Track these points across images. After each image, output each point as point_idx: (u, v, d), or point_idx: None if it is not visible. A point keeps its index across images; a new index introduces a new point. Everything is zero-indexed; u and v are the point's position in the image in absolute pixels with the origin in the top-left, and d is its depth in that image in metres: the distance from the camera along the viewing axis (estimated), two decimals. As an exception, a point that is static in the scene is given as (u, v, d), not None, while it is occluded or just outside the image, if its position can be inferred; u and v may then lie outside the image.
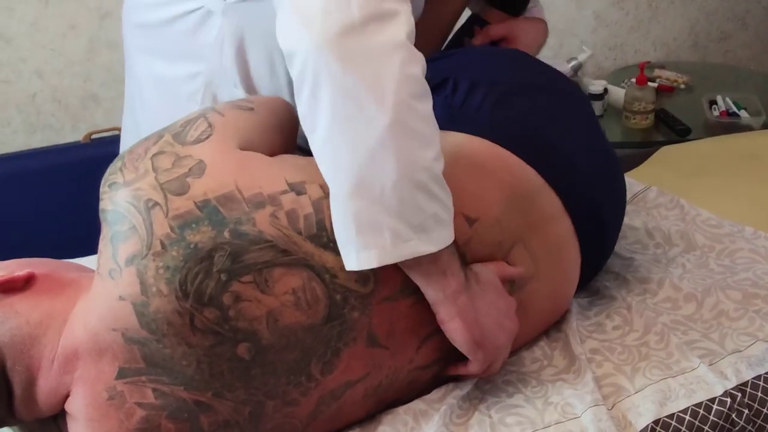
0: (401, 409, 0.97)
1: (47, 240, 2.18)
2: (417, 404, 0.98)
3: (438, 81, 1.10)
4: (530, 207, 1.03)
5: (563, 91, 1.18)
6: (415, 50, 0.87)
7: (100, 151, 2.26)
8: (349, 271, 0.88)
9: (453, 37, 1.44)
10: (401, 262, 0.88)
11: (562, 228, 1.06)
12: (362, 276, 0.90)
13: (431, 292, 0.92)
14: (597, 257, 1.14)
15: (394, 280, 0.92)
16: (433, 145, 0.87)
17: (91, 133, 2.31)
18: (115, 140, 2.31)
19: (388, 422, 0.96)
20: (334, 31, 0.82)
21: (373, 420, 0.98)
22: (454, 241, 0.90)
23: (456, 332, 0.93)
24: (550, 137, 1.07)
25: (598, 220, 1.09)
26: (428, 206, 0.86)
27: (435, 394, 0.99)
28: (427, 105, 0.87)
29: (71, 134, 2.39)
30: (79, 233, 2.20)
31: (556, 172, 1.05)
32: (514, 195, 1.01)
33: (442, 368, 1.00)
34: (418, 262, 0.88)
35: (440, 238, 0.88)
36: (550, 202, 1.04)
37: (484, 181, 1.00)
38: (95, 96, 2.38)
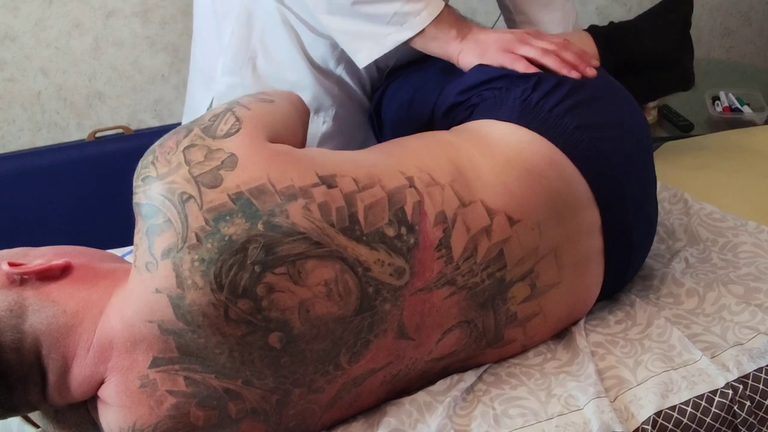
0: (406, 401, 0.98)
1: (52, 238, 2.19)
2: (421, 396, 0.99)
3: (519, 74, 1.11)
4: (571, 218, 1.03)
5: (628, 107, 1.16)
6: None
7: (105, 150, 2.28)
8: (384, 266, 0.90)
9: None
10: (407, 41, 1.18)
11: (594, 245, 1.06)
12: (397, 270, 0.91)
13: (437, 51, 1.20)
14: (619, 279, 1.14)
15: (430, 271, 0.93)
16: None
17: (96, 132, 2.32)
18: (120, 138, 2.34)
19: (393, 413, 0.97)
20: None
21: (377, 411, 0.99)
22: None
23: (466, 59, 1.16)
24: (609, 154, 1.06)
25: (629, 243, 1.09)
26: (387, 8, 1.17)
27: (439, 386, 1.00)
28: None
29: (76, 132, 2.40)
30: (84, 230, 2.22)
31: (606, 190, 1.05)
32: (560, 203, 1.02)
33: (453, 361, 1.01)
34: (413, 42, 1.19)
35: (413, 24, 1.17)
36: (591, 217, 1.05)
37: (536, 184, 1.01)
38: (100, 94, 2.39)
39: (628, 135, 1.11)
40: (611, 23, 1.40)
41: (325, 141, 1.42)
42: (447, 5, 1.18)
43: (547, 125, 1.04)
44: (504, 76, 1.12)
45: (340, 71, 1.38)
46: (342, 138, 1.43)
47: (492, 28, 1.24)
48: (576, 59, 1.13)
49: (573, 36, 1.30)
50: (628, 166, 1.08)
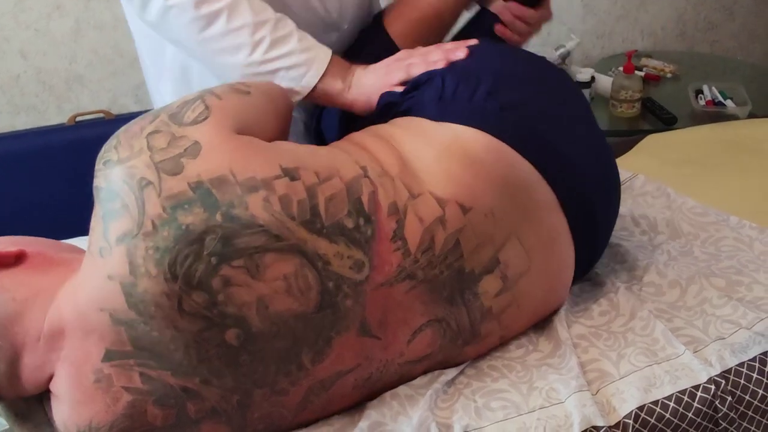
0: (387, 395, 0.98)
1: (31, 222, 2.17)
2: (403, 389, 0.98)
3: (425, 78, 1.11)
4: (525, 200, 1.02)
5: (557, 82, 1.18)
6: None
7: (85, 134, 2.25)
8: (343, 259, 0.89)
9: (461, 33, 1.42)
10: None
11: (556, 222, 1.05)
12: (357, 263, 0.90)
13: (330, 104, 1.22)
14: (590, 252, 1.14)
15: (389, 265, 0.92)
16: (241, 49, 1.14)
17: (76, 116, 2.29)
18: (99, 123, 2.31)
19: (374, 407, 0.96)
20: None
21: (358, 404, 0.98)
22: None
23: (359, 108, 1.18)
24: (545, 131, 1.06)
25: (592, 215, 1.09)
26: (271, 77, 1.16)
27: (421, 380, 1.00)
28: (212, 29, 1.13)
29: (56, 116, 2.38)
30: (63, 216, 2.19)
31: (550, 166, 1.04)
32: (508, 187, 1.01)
33: (432, 364, 1.00)
34: (310, 99, 1.19)
35: (297, 91, 1.17)
36: (544, 195, 1.04)
37: (480, 171, 1.00)
38: (81, 78, 2.36)
39: (559, 105, 1.12)
40: None
41: None
42: (333, 59, 1.19)
43: (470, 115, 1.04)
44: (414, 86, 1.12)
45: None
46: None
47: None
48: (442, 54, 1.16)
49: None
50: (567, 137, 1.08)
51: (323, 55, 1.18)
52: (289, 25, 1.17)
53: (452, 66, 1.13)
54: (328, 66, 1.17)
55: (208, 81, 1.29)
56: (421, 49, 1.19)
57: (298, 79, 1.16)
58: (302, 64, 1.16)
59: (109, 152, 0.89)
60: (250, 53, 1.14)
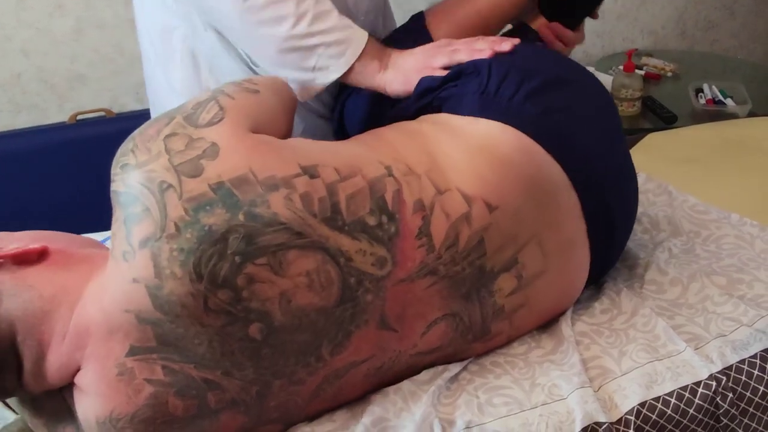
0: (390, 390, 0.98)
1: (32, 221, 2.17)
2: (406, 385, 0.98)
3: (470, 69, 1.10)
4: (550, 203, 1.03)
5: (595, 92, 1.17)
6: None
7: (86, 132, 2.26)
8: (366, 255, 0.90)
9: None
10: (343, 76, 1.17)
11: (577, 228, 1.06)
12: (379, 260, 0.91)
13: (364, 84, 1.19)
14: (605, 260, 1.14)
15: (412, 261, 0.93)
16: (285, 20, 1.12)
17: (77, 114, 2.29)
18: (100, 121, 2.31)
19: (378, 402, 0.96)
20: None
21: (362, 400, 0.98)
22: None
23: (393, 89, 1.16)
24: (581, 138, 1.06)
25: (611, 224, 1.09)
26: (308, 60, 1.16)
27: (424, 375, 1.00)
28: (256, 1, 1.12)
29: (57, 115, 2.37)
30: (64, 214, 2.20)
31: (580, 174, 1.04)
32: (536, 189, 1.01)
33: (440, 357, 1.01)
34: (344, 78, 1.18)
35: (335, 69, 1.16)
36: (569, 201, 1.04)
37: (509, 172, 1.00)
38: (82, 76, 2.36)
39: (594, 114, 1.12)
40: None
41: None
42: (369, 38, 1.18)
43: (510, 114, 1.04)
44: (457, 74, 1.12)
45: None
46: None
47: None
48: (488, 44, 1.14)
49: None
50: (598, 146, 1.08)
51: (361, 34, 1.17)
52: (328, 0, 1.16)
53: (498, 59, 1.12)
54: (366, 45, 1.16)
55: (217, 67, 1.28)
56: (465, 38, 1.18)
57: (338, 56, 1.15)
58: (343, 41, 1.15)
59: (126, 156, 0.90)
60: (293, 25, 1.13)
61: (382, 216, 0.92)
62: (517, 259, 1.00)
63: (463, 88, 1.09)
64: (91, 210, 2.12)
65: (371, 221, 0.91)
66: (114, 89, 2.40)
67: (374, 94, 1.23)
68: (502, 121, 1.03)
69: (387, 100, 1.21)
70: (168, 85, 1.38)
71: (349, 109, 1.35)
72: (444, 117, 1.08)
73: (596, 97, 1.16)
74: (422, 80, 1.14)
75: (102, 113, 2.33)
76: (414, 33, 1.36)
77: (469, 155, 1.00)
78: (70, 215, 2.21)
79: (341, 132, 1.38)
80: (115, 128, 2.23)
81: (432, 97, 1.12)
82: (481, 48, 1.14)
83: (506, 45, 1.14)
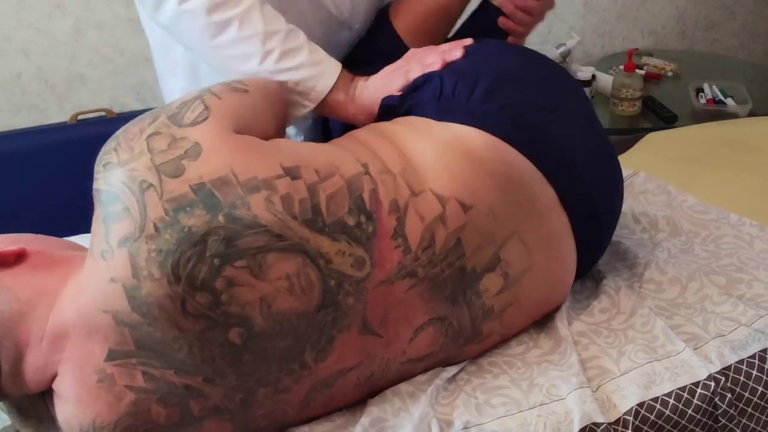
0: (389, 391, 0.98)
1: (31, 221, 2.17)
2: (404, 386, 0.98)
3: (422, 80, 1.11)
4: (525, 198, 1.02)
5: (558, 80, 1.18)
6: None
7: (87, 132, 2.25)
8: (345, 256, 0.89)
9: (464, 27, 1.42)
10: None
11: (558, 220, 1.05)
12: (358, 260, 0.90)
13: (333, 116, 1.21)
14: (592, 250, 1.14)
15: (390, 262, 0.92)
16: (252, 58, 1.13)
17: (78, 114, 2.29)
18: (101, 121, 2.31)
19: (376, 403, 0.96)
20: None
21: (360, 401, 0.98)
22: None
23: (361, 120, 1.17)
24: (545, 129, 1.06)
25: (594, 213, 1.09)
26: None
27: (422, 376, 1.00)
28: (224, 37, 1.13)
29: (57, 115, 2.37)
30: (64, 214, 2.19)
31: (551, 165, 1.04)
32: (509, 185, 1.01)
33: (432, 363, 1.00)
34: (315, 112, 1.20)
35: (303, 105, 1.16)
36: (545, 194, 1.04)
37: (479, 170, 1.00)
38: (82, 76, 2.36)
39: (558, 103, 1.11)
40: None
41: None
42: (341, 73, 1.18)
43: (471, 114, 1.04)
44: (412, 88, 1.12)
45: None
46: None
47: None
48: (438, 55, 1.15)
49: None
50: (567, 134, 1.08)
51: (333, 69, 1.17)
52: (300, 37, 1.16)
53: (450, 67, 1.13)
54: (337, 80, 1.17)
55: (217, 78, 1.29)
56: (417, 54, 1.19)
57: (307, 93, 1.16)
58: (311, 78, 1.15)
59: (108, 154, 0.89)
60: (260, 62, 1.14)
61: (361, 215, 0.91)
62: (500, 257, 1.00)
63: (420, 98, 1.10)
64: (91, 210, 2.12)
65: (350, 221, 0.91)
66: (114, 89, 2.40)
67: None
68: (465, 122, 1.03)
69: None
70: (169, 94, 1.41)
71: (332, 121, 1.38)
72: (417, 119, 1.08)
73: (561, 86, 1.16)
74: (382, 101, 1.15)
75: (103, 113, 2.33)
76: (380, 29, 1.37)
77: (440, 154, 1.00)
78: (70, 215, 2.21)
79: (327, 135, 1.39)
80: (116, 128, 2.21)
81: (395, 114, 1.13)
82: (432, 61, 1.15)
83: (456, 52, 1.15)
